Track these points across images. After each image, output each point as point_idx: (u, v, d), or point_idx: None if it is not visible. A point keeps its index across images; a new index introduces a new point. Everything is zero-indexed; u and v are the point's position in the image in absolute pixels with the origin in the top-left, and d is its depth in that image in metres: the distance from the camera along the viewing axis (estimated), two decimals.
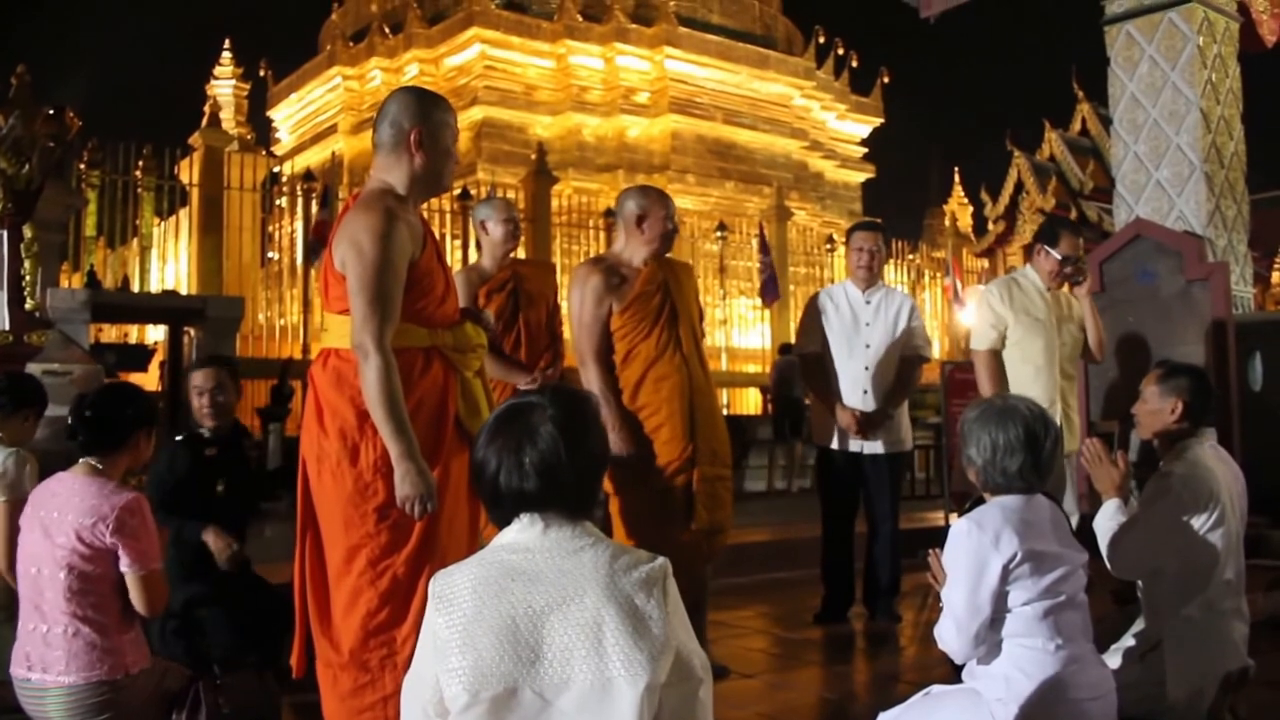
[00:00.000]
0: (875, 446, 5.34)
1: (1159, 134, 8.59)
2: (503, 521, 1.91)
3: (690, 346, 4.55)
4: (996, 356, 5.17)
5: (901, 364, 5.40)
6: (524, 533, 1.88)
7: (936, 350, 17.90)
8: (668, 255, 4.64)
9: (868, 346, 5.37)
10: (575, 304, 4.54)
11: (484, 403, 3.21)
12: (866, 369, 5.35)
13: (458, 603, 1.81)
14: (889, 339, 5.38)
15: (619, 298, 4.50)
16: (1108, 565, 3.49)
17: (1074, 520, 4.87)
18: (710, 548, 4.56)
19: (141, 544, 3.08)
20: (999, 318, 5.16)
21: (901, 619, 5.42)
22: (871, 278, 5.48)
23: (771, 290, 17.07)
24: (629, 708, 1.73)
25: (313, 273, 12.67)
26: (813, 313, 5.53)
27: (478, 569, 1.85)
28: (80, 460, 3.18)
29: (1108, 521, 3.49)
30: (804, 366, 5.57)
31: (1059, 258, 5.12)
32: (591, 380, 4.51)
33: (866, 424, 5.26)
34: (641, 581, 1.83)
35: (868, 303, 5.43)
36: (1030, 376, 5.11)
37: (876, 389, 5.33)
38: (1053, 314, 5.18)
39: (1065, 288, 5.24)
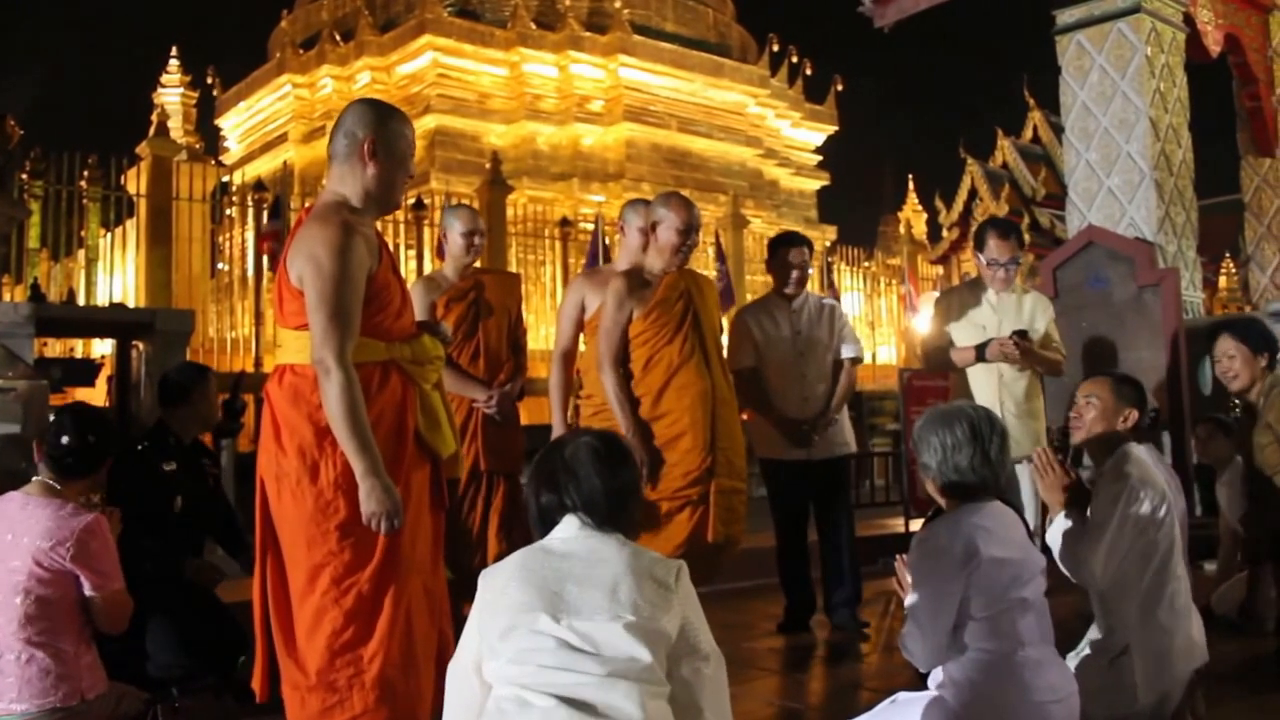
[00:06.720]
0: (820, 452, 5.33)
1: (1110, 142, 8.69)
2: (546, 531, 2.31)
3: (715, 357, 4.55)
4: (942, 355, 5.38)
5: (836, 368, 5.42)
6: (565, 528, 2.27)
7: (893, 357, 18.00)
8: (689, 268, 4.71)
9: (801, 354, 5.37)
10: (609, 308, 4.56)
11: (443, 416, 3.19)
12: (804, 376, 5.35)
13: (500, 572, 2.22)
14: (820, 344, 5.39)
15: (640, 302, 4.53)
16: (1072, 577, 3.49)
17: (1033, 525, 4.90)
18: (719, 562, 4.54)
19: (103, 565, 3.03)
20: (942, 327, 5.42)
21: (864, 626, 5.42)
22: (800, 289, 5.49)
23: (727, 298, 17.13)
24: (625, 639, 2.09)
25: (264, 285, 12.51)
26: (742, 328, 5.49)
27: (522, 552, 2.26)
28: (34, 479, 3.11)
29: (1062, 535, 3.50)
30: (739, 382, 5.46)
31: (985, 262, 5.27)
32: (608, 385, 4.49)
33: (809, 430, 5.27)
34: (659, 562, 2.24)
35: (794, 310, 5.44)
36: (968, 381, 5.20)
37: (815, 395, 5.34)
38: (997, 317, 5.21)
39: (1023, 289, 5.29)
